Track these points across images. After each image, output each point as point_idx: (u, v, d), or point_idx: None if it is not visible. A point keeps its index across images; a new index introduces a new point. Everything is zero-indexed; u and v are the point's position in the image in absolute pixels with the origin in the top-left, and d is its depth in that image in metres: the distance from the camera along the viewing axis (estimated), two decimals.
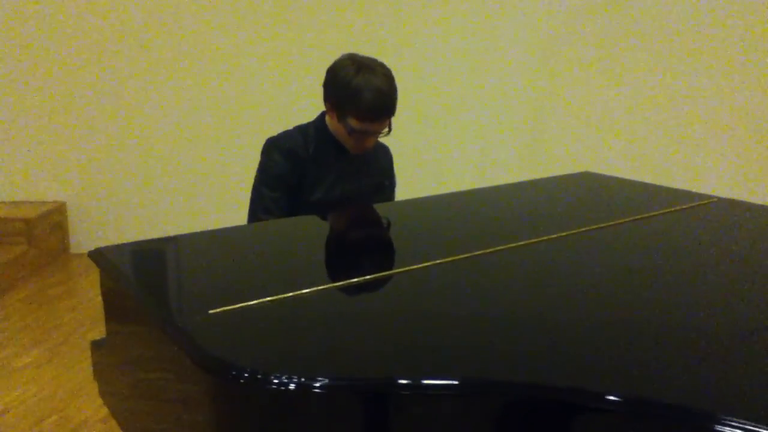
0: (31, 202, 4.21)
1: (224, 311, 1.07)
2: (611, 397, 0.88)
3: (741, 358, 1.01)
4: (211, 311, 1.07)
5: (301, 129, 2.05)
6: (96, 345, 1.53)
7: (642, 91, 3.80)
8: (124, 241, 3.93)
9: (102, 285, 1.37)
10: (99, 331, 3.21)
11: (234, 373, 0.93)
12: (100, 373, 1.53)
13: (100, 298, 2.95)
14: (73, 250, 4.35)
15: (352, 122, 1.86)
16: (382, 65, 1.90)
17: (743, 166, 3.77)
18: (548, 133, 3.90)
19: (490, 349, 1.04)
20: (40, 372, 2.90)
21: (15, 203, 4.19)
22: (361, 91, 1.82)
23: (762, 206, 1.87)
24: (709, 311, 1.18)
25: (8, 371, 2.90)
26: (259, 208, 1.97)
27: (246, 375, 0.92)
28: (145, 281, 1.23)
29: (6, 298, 3.65)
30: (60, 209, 4.23)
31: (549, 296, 1.25)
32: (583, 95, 3.84)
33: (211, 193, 4.18)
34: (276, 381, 0.92)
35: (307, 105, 2.17)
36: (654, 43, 3.73)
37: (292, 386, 0.92)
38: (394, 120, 1.92)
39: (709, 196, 1.90)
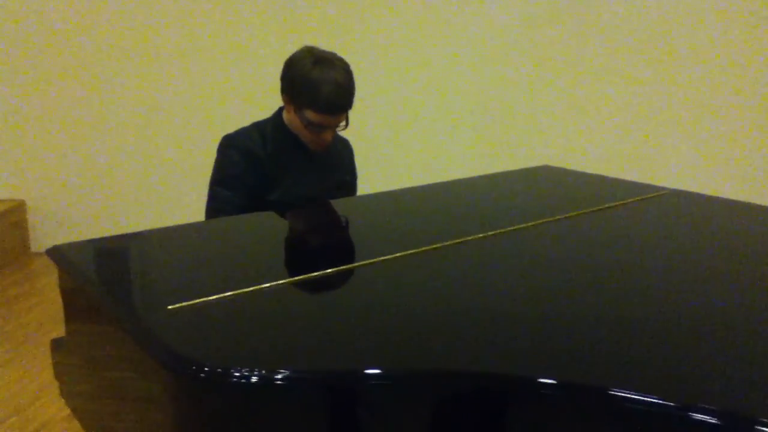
0: None
1: (183, 306, 1.07)
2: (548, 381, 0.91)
3: (699, 343, 1.05)
4: (170, 307, 1.06)
5: (258, 126, 2.02)
6: (56, 344, 1.52)
7: (609, 86, 3.86)
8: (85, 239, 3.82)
9: (60, 283, 1.36)
10: (61, 330, 3.18)
11: (194, 367, 0.92)
12: (60, 372, 1.52)
13: (59, 297, 2.88)
14: (33, 248, 4.28)
15: (310, 115, 1.85)
16: (340, 59, 1.90)
17: (710, 159, 3.86)
18: (513, 128, 3.94)
19: (450, 340, 1.06)
20: (1, 373, 2.85)
21: None
22: (319, 84, 1.81)
23: (714, 197, 1.93)
24: (665, 298, 1.23)
25: None
26: (214, 206, 1.95)
27: (207, 369, 0.92)
28: (103, 278, 1.23)
29: None
30: (19, 208, 4.15)
31: (503, 287, 1.28)
32: (548, 89, 3.89)
33: (173, 190, 4.14)
34: (237, 374, 0.92)
35: (265, 100, 2.15)
36: (623, 36, 3.78)
37: (254, 379, 0.92)
38: (354, 113, 1.92)
39: (664, 188, 1.95)
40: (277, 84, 1.95)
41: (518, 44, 3.83)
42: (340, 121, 1.90)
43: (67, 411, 2.54)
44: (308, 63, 1.85)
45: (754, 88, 3.73)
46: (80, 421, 1.44)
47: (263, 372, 0.93)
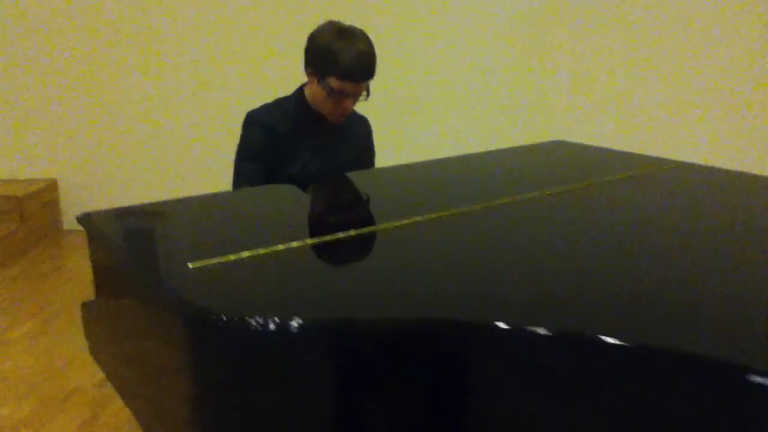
0: (21, 180, 4.26)
1: (203, 264, 1.14)
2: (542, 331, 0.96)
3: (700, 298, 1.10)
4: (191, 264, 1.14)
5: (280, 102, 2.10)
6: (86, 306, 1.61)
7: (628, 62, 3.87)
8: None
9: (90, 249, 1.44)
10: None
11: (213, 317, 0.99)
12: (90, 332, 1.61)
13: (89, 272, 3.02)
14: (66, 226, 4.41)
15: (332, 82, 1.91)
16: (362, 31, 1.96)
17: (728, 134, 3.86)
18: (533, 105, 3.97)
19: (471, 293, 1.11)
20: (35, 342, 2.98)
21: (5, 181, 4.23)
22: (341, 52, 1.88)
23: (720, 169, 1.95)
24: (661, 260, 1.27)
25: (3, 342, 2.98)
26: (239, 180, 2.04)
27: (225, 318, 0.99)
28: (129, 241, 1.30)
29: None
30: (51, 187, 4.28)
31: (502, 248, 1.33)
32: (567, 67, 3.91)
33: (202, 166, 4.24)
34: (255, 323, 0.97)
35: (288, 78, 2.22)
36: (640, 12, 3.80)
37: (271, 326, 0.97)
38: (375, 92, 1.98)
39: (673, 161, 1.99)
40: (295, 62, 2.02)
41: (528, 25, 3.86)
42: (361, 90, 1.95)
43: (98, 377, 2.67)
44: (331, 34, 1.92)
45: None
46: (107, 376, 1.53)
47: (280, 320, 0.97)
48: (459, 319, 1.01)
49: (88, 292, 3.41)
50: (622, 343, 0.92)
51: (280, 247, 1.25)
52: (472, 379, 1.01)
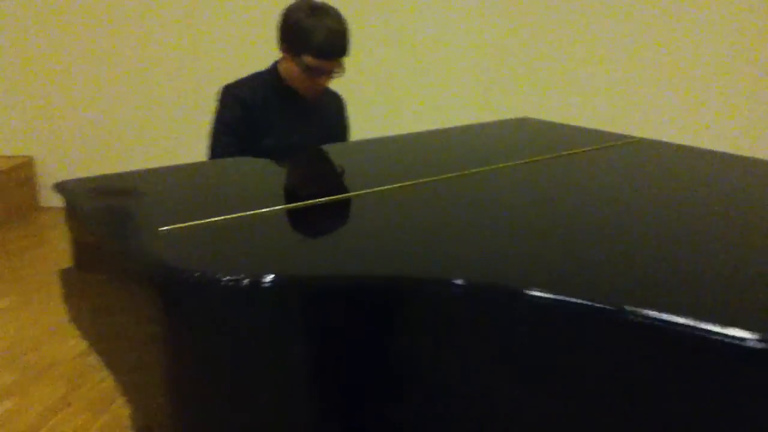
0: None
1: (173, 228, 1.19)
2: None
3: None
4: (161, 228, 1.19)
5: (255, 77, 2.15)
6: (64, 273, 1.66)
7: (598, 45, 3.95)
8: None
9: (67, 216, 1.49)
10: None
11: (184, 276, 1.03)
12: (68, 298, 1.67)
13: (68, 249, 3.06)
14: (43, 203, 4.43)
15: (308, 60, 1.96)
16: (334, 9, 1.99)
17: (691, 113, 3.96)
18: (505, 85, 4.04)
19: (426, 252, 1.19)
20: (15, 314, 3.03)
21: None
22: (316, 29, 1.92)
23: (684, 146, 2.03)
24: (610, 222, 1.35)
25: None
26: (215, 152, 2.08)
27: (197, 275, 1.02)
28: (102, 208, 1.35)
29: None
30: (27, 164, 4.30)
31: (462, 212, 1.40)
32: (541, 49, 3.98)
33: (179, 143, 4.27)
34: (226, 279, 1.00)
35: (263, 53, 2.26)
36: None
37: (245, 282, 1.00)
38: (350, 67, 2.03)
39: (634, 137, 2.07)
40: (270, 37, 2.06)
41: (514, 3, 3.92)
42: (335, 67, 2.00)
43: (80, 348, 2.73)
44: (305, 12, 1.96)
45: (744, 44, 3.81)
46: (90, 344, 1.59)
47: (250, 277, 1.01)
48: (410, 275, 1.07)
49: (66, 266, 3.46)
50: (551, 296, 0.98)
51: (252, 212, 1.30)
52: (424, 332, 1.08)
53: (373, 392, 1.12)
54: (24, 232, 4.08)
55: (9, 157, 4.28)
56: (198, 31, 4.17)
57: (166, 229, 1.19)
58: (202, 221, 1.24)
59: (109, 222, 1.28)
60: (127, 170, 1.55)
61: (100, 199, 1.40)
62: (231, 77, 2.16)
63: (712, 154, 1.92)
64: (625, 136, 2.08)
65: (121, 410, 2.36)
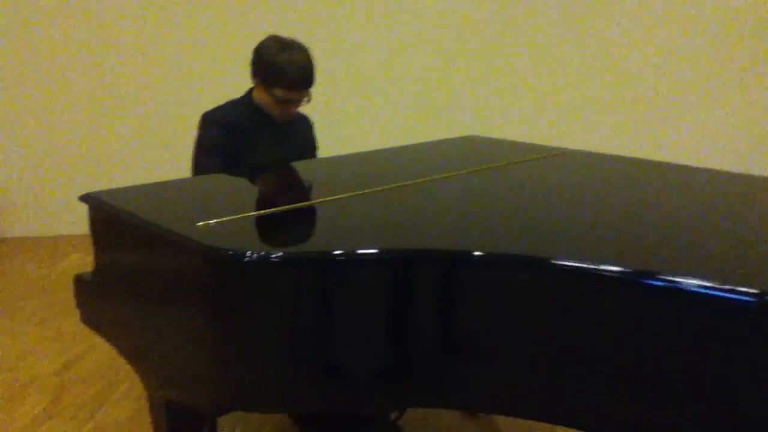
0: None
1: (208, 223, 1.43)
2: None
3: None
4: (199, 223, 1.43)
5: (232, 103, 2.37)
6: (80, 279, 1.84)
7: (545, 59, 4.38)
8: (46, 227, 4.21)
9: (93, 225, 1.69)
10: (37, 303, 3.45)
11: (231, 252, 1.29)
12: (84, 303, 1.85)
13: (29, 276, 3.31)
14: (3, 234, 4.49)
15: (279, 92, 2.20)
16: (300, 44, 2.25)
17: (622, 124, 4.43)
18: (453, 103, 4.43)
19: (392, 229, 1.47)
20: None
21: None
22: (286, 66, 2.17)
23: (608, 155, 2.38)
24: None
25: None
26: (199, 174, 2.27)
27: (243, 253, 1.28)
28: (139, 210, 1.56)
29: None
30: None
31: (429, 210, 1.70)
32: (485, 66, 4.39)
33: (141, 172, 4.40)
34: (266, 256, 1.28)
35: (234, 82, 2.50)
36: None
37: (275, 258, 1.28)
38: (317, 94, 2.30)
39: (563, 149, 2.41)
40: (243, 68, 2.31)
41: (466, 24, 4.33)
42: (304, 96, 2.27)
43: (58, 365, 2.85)
44: (275, 49, 2.21)
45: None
46: (108, 340, 1.77)
47: (282, 253, 1.30)
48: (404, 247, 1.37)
49: (33, 294, 3.56)
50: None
51: (269, 210, 1.59)
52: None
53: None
54: None
55: None
56: (169, 61, 4.37)
57: (203, 224, 1.43)
58: (231, 217, 1.49)
59: (154, 219, 1.50)
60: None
61: (132, 203, 1.61)
62: (205, 106, 2.36)
63: (643, 162, 2.28)
64: (557, 148, 2.43)
65: (106, 418, 2.50)
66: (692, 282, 1.14)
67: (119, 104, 4.43)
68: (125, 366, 2.78)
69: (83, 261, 4.07)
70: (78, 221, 4.35)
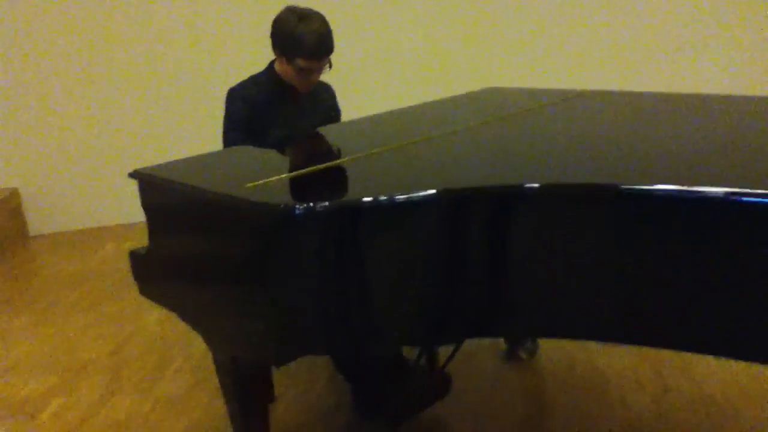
0: None
1: (255, 184, 1.52)
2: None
3: None
4: (248, 184, 1.51)
5: (255, 78, 2.43)
6: (135, 253, 1.93)
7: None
8: (77, 221, 4.31)
9: (144, 199, 1.77)
10: (79, 294, 3.56)
11: (282, 206, 1.39)
12: (141, 275, 1.93)
13: (67, 269, 3.36)
14: (32, 232, 4.60)
15: (300, 62, 2.25)
16: (317, 13, 2.29)
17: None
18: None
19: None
20: (36, 330, 3.21)
21: None
22: (304, 36, 2.21)
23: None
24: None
25: (6, 332, 3.21)
26: (227, 147, 2.34)
27: (296, 206, 1.37)
28: (191, 178, 1.64)
29: None
30: (14, 195, 4.45)
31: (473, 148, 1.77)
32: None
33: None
34: (315, 206, 1.36)
35: (260, 55, 2.55)
36: None
37: (318, 208, 1.36)
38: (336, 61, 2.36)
39: (589, 91, 2.47)
40: (263, 43, 2.37)
41: None
42: (324, 64, 2.32)
43: (111, 346, 2.97)
44: (293, 20, 2.25)
45: None
46: (168, 307, 1.86)
47: (327, 203, 1.38)
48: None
49: (71, 288, 3.66)
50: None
51: (305, 170, 1.66)
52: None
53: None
54: (21, 259, 4.23)
55: None
56: (193, 43, 4.44)
57: (252, 184, 1.51)
58: (272, 178, 1.57)
59: (205, 185, 1.59)
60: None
61: (182, 175, 1.69)
62: (227, 84, 2.41)
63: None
64: (582, 91, 2.48)
65: (165, 391, 2.61)
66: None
67: (134, 97, 4.50)
68: (176, 342, 2.95)
69: (118, 249, 4.19)
70: (109, 212, 4.50)
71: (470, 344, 2.69)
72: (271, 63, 2.43)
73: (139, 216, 1.87)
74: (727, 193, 1.24)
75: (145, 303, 2.00)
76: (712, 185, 1.27)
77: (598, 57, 4.48)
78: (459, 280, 1.43)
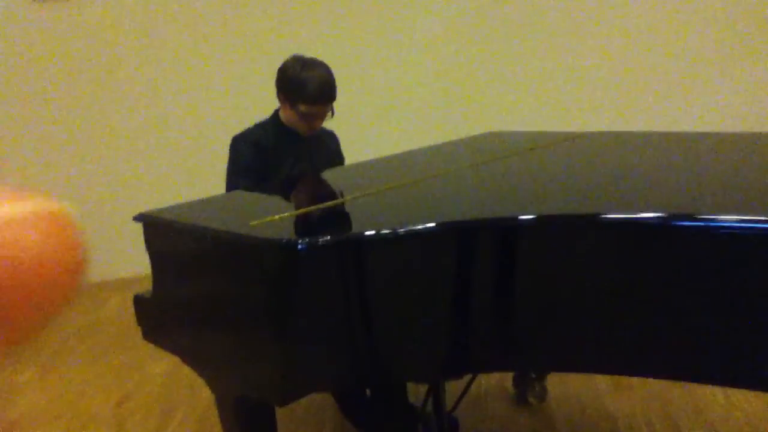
0: None
1: (259, 223, 1.54)
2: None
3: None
4: (251, 223, 1.53)
5: (260, 125, 2.49)
6: (139, 298, 1.94)
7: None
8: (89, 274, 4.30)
9: (149, 242, 1.79)
10: (86, 346, 3.55)
11: (284, 241, 1.40)
12: (144, 320, 1.93)
13: (72, 322, 3.36)
14: None
15: (303, 108, 2.30)
16: (321, 62, 2.37)
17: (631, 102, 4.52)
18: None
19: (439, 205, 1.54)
20: (42, 383, 3.19)
21: None
22: (307, 81, 2.27)
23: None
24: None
25: (13, 387, 3.19)
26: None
27: (299, 242, 1.38)
28: (196, 219, 1.67)
29: None
30: None
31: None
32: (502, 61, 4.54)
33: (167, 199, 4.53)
34: (318, 241, 1.38)
35: (262, 105, 2.61)
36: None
37: (321, 243, 1.38)
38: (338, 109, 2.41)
39: (587, 133, 2.51)
40: (267, 91, 2.43)
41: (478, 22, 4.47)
42: (327, 110, 2.38)
43: (116, 398, 2.94)
44: (297, 67, 2.33)
45: None
46: (174, 352, 1.85)
47: (329, 237, 1.40)
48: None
49: (79, 338, 3.65)
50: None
51: (304, 209, 1.68)
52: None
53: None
54: None
55: None
56: (199, 91, 4.52)
57: (255, 223, 1.53)
58: (275, 216, 1.59)
59: (209, 224, 1.61)
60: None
61: (187, 217, 1.71)
62: (230, 134, 2.46)
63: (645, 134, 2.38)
64: (580, 133, 2.52)
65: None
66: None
67: (137, 151, 4.57)
68: (180, 393, 2.92)
69: (123, 304, 4.18)
70: (113, 266, 4.51)
71: (478, 388, 2.66)
72: (276, 111, 2.48)
73: (142, 268, 1.89)
74: (731, 220, 1.27)
75: (150, 354, 1.99)
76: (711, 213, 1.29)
77: (599, 99, 4.58)
78: (461, 311, 1.43)
